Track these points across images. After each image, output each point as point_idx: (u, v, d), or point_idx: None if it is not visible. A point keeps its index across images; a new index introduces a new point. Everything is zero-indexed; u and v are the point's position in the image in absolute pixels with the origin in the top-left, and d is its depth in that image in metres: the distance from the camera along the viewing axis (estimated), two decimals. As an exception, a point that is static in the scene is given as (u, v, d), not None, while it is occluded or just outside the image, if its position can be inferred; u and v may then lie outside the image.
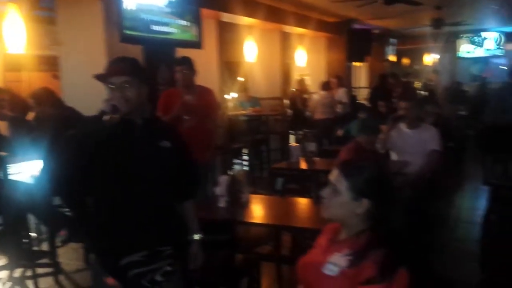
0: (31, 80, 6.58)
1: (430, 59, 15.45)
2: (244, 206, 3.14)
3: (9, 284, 3.59)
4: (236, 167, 6.28)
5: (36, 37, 5.23)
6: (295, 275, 1.71)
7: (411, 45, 15.49)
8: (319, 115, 7.90)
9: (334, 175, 1.58)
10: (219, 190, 3.16)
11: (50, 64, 6.52)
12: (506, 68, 11.87)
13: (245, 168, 7.03)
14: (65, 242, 4.13)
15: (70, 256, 4.09)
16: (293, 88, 9.33)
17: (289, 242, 3.67)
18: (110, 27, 4.74)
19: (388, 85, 8.56)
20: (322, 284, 1.52)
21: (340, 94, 8.42)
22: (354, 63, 10.63)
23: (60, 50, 5.35)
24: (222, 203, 3.12)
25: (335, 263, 1.50)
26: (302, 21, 9.08)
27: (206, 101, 3.97)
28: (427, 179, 4.07)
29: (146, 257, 1.88)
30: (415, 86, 12.06)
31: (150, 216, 1.92)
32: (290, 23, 8.68)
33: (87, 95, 3.97)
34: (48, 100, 3.86)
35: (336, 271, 1.48)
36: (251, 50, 8.23)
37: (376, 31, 12.25)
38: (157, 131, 1.98)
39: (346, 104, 8.33)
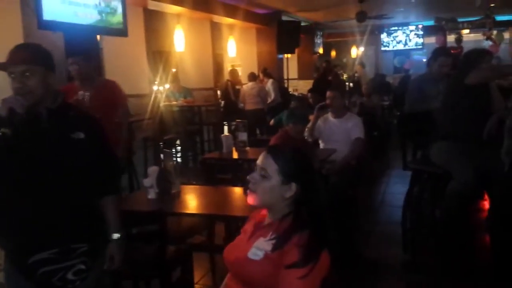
0: None
1: (355, 51, 16.07)
2: (175, 197, 3.09)
3: None
4: (167, 158, 6.18)
5: None
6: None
7: (338, 37, 16.02)
8: (249, 106, 8.01)
9: (263, 160, 1.58)
10: (148, 181, 3.08)
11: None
12: (425, 60, 12.61)
13: (178, 159, 6.94)
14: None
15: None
16: (225, 78, 9.33)
17: (223, 232, 3.67)
18: (28, 13, 4.44)
19: (327, 77, 8.86)
20: (248, 269, 1.53)
21: (269, 85, 8.56)
22: (284, 55, 10.79)
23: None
24: (151, 195, 3.05)
25: (260, 248, 1.52)
26: (231, 11, 9.05)
27: (108, 95, 3.65)
28: (352, 165, 4.24)
29: (57, 254, 1.79)
30: (342, 77, 12.50)
31: (61, 212, 1.81)
32: (219, 12, 8.62)
33: (5, 85, 3.71)
34: None
35: (261, 255, 1.50)
36: (180, 39, 8.08)
37: (305, 24, 12.52)
38: (69, 121, 1.85)
39: (274, 95, 8.48)
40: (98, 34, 4.53)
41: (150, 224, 2.71)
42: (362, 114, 5.68)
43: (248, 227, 1.69)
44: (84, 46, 4.26)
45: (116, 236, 1.98)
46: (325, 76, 9.13)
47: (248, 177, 1.60)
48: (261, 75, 8.78)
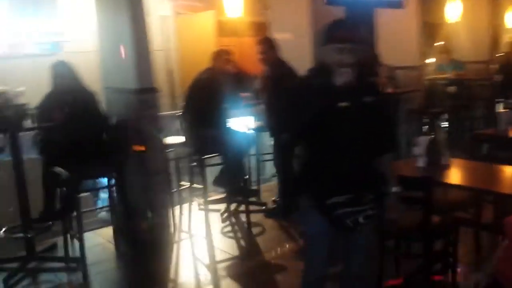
0: (242, 45, 7.24)
1: None
2: (443, 168, 3.08)
3: (225, 215, 4.27)
4: (438, 129, 6.03)
5: (249, 3, 5.74)
6: (495, 244, 1.67)
7: None
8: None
9: None
10: (418, 150, 3.16)
11: (259, 29, 7.06)
12: None
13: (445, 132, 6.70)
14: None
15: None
16: (503, 51, 8.37)
17: (489, 212, 3.46)
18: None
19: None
20: None
21: None
22: None
23: (268, 15, 5.81)
24: (420, 163, 3.12)
25: None
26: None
27: None
28: None
29: (351, 199, 2.09)
30: None
31: (356, 164, 2.11)
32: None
33: (291, 59, 4.30)
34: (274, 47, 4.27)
35: None
36: (455, 10, 7.60)
37: None
38: (363, 88, 2.14)
39: None
40: (376, 7, 4.71)
41: (416, 190, 2.79)
42: None
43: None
44: (362, 19, 4.52)
45: (395, 189, 2.22)
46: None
47: None
48: None
